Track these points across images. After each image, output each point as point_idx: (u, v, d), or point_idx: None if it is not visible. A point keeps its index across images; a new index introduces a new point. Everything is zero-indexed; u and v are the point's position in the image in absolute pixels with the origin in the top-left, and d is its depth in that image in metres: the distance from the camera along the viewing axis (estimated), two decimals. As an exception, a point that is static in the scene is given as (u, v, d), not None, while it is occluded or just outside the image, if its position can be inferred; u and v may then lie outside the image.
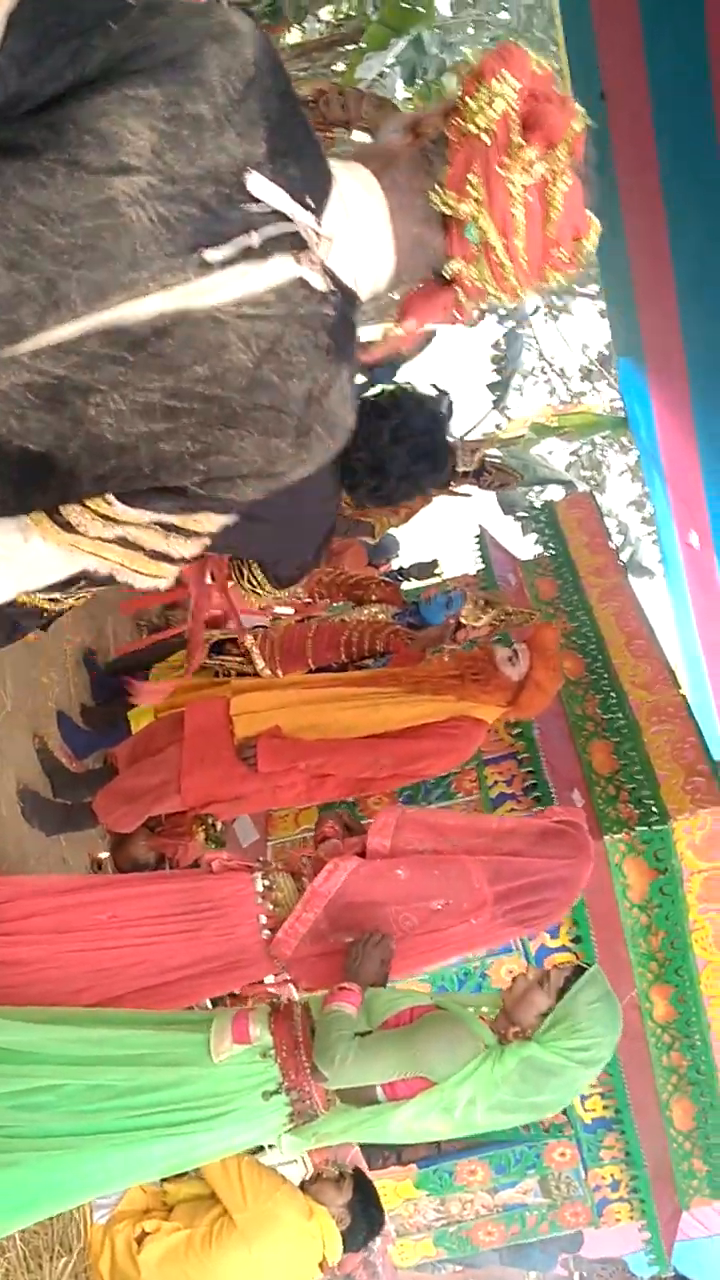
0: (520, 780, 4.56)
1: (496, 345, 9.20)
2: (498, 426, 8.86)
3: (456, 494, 5.13)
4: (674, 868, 4.15)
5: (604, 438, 10.60)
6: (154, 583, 1.58)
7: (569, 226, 1.44)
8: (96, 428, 1.30)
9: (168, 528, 1.49)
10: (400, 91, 10.54)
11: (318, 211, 1.37)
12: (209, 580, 4.87)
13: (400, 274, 1.51)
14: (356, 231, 1.42)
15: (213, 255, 1.28)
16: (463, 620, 3.87)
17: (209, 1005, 3.28)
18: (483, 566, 5.64)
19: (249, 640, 4.17)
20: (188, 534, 1.52)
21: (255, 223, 1.30)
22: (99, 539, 1.48)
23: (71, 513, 1.45)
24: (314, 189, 1.37)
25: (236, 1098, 2.50)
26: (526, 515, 7.57)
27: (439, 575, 5.02)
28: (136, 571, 1.55)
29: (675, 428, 6.46)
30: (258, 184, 1.29)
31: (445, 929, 2.79)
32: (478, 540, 5.89)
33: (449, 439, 2.94)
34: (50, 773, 4.00)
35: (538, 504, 6.63)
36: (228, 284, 1.30)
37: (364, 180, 1.46)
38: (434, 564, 5.05)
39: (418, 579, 5.02)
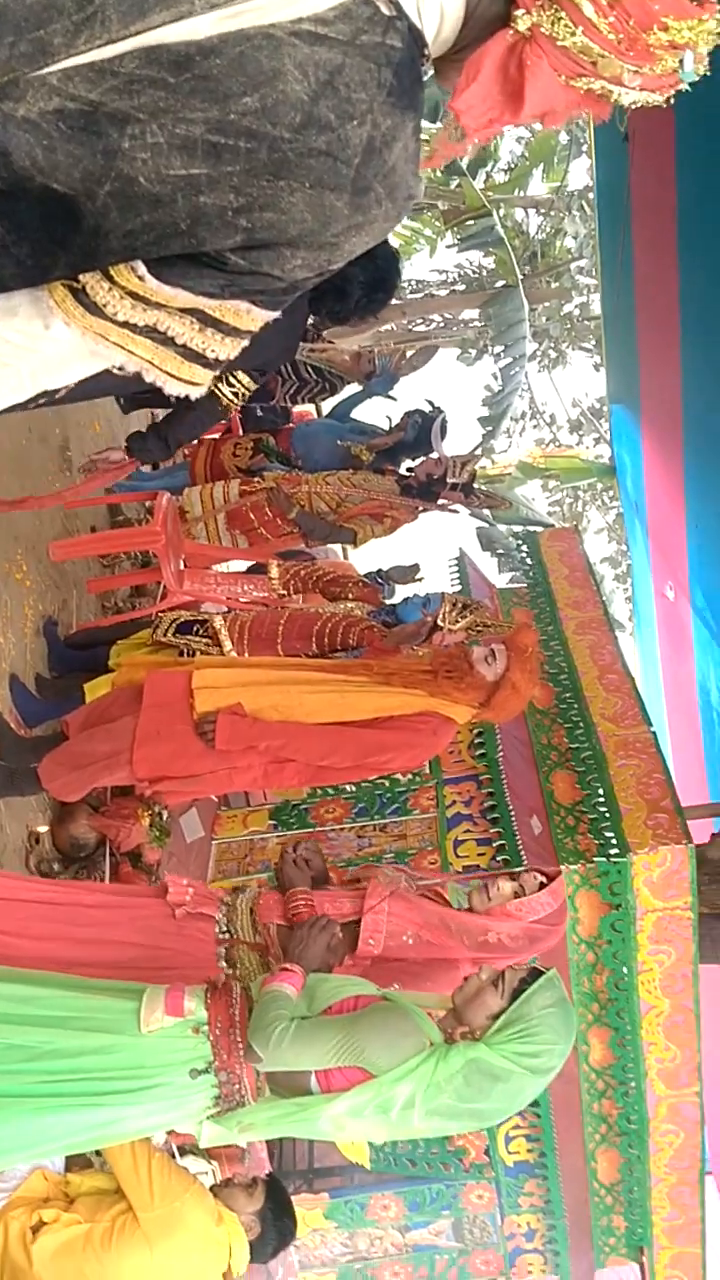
0: (479, 802, 4.46)
1: (492, 380, 9.23)
2: (483, 466, 8.84)
3: (444, 509, 5.05)
4: (628, 904, 4.04)
5: (586, 491, 10.63)
6: (185, 389, 1.41)
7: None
8: (131, 167, 1.16)
9: (204, 319, 1.33)
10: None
11: None
12: (181, 566, 4.80)
13: (470, 18, 1.32)
14: None
15: None
16: (439, 622, 3.77)
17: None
18: (459, 588, 5.56)
19: (218, 621, 4.04)
20: (225, 330, 1.36)
21: None
22: (128, 326, 1.31)
23: (98, 289, 1.28)
24: None
25: (162, 1073, 2.34)
26: (504, 553, 7.53)
27: (420, 580, 4.93)
28: (167, 373, 1.38)
29: (663, 477, 6.45)
30: None
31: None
32: (456, 562, 5.81)
33: (399, 281, 3.10)
34: (-4, 734, 3.84)
35: (517, 540, 6.57)
36: None
37: None
38: (415, 568, 4.94)
39: (398, 582, 4.91)
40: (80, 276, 1.30)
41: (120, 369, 1.39)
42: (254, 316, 1.37)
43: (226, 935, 2.84)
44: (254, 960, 2.82)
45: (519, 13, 1.28)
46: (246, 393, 3.51)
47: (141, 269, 1.28)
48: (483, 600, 5.38)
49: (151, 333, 1.34)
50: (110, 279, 1.29)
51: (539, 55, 1.30)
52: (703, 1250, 4.84)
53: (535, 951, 2.94)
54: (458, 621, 3.76)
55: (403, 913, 2.85)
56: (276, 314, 1.38)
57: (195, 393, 1.44)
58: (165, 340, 1.36)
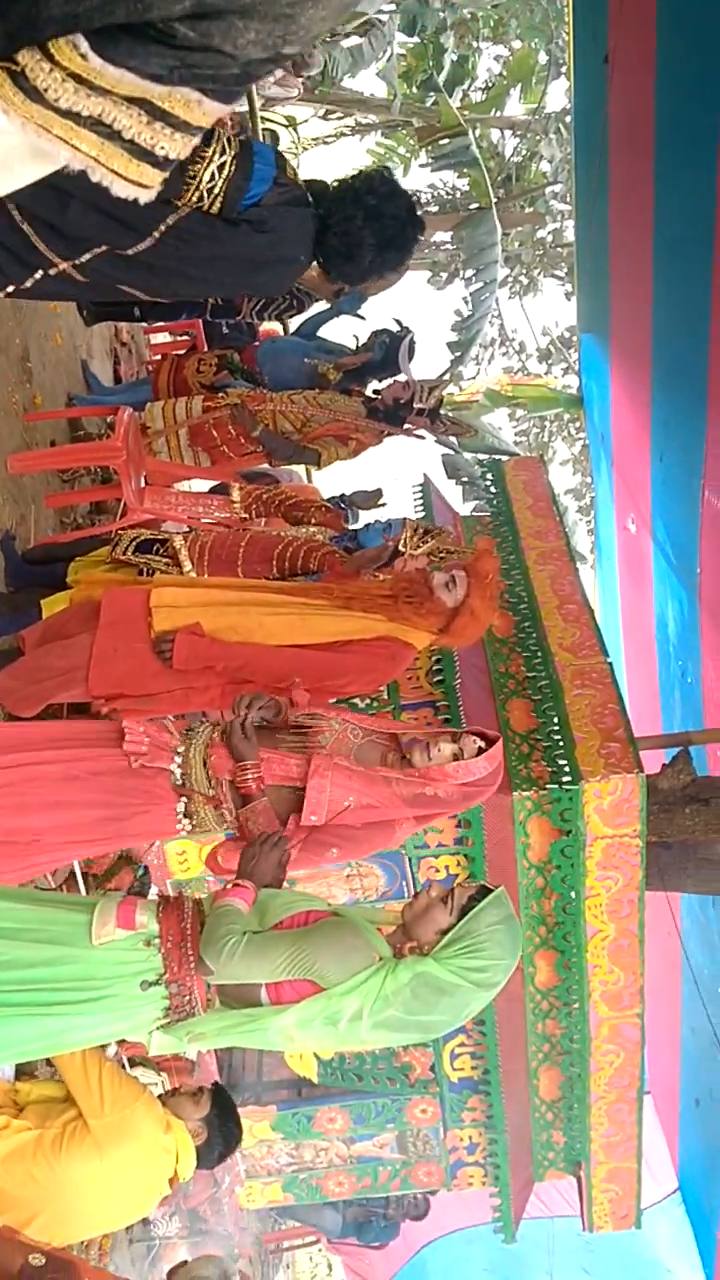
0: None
1: (462, 305, 9.11)
2: (451, 393, 8.76)
3: (410, 434, 5.00)
4: (578, 830, 4.09)
5: (552, 421, 10.59)
6: (134, 190, 1.35)
7: None
8: None
9: (152, 111, 1.26)
10: (398, 41, 10.31)
11: None
12: (142, 483, 4.74)
13: None
14: None
15: None
16: (401, 548, 3.75)
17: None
18: (423, 514, 5.53)
19: (178, 542, 4.00)
20: (175, 124, 1.28)
21: None
22: (72, 116, 1.24)
23: (39, 72, 1.21)
24: None
25: (112, 984, 2.37)
26: (469, 481, 7.49)
27: (383, 505, 4.89)
28: (114, 172, 1.32)
29: (630, 409, 6.43)
30: None
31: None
32: (420, 488, 5.78)
33: (417, 233, 3.00)
34: (-49, 650, 3.79)
35: (482, 469, 6.53)
36: None
37: None
38: (378, 494, 4.91)
39: (361, 508, 4.87)
40: (19, 57, 1.22)
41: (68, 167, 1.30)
42: (205, 109, 1.31)
43: (182, 787, 2.87)
44: (210, 814, 2.86)
45: None
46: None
47: (84, 45, 1.21)
48: (446, 527, 5.37)
49: (97, 125, 1.28)
50: (51, 59, 1.21)
51: None
52: (638, 1165, 5.00)
53: (469, 805, 3.09)
54: (419, 547, 3.74)
55: (345, 782, 2.88)
56: (230, 108, 1.35)
57: (144, 196, 1.37)
58: (112, 135, 1.29)
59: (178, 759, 2.86)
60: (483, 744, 2.91)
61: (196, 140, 1.34)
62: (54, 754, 2.81)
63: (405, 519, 3.99)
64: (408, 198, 2.97)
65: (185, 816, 2.87)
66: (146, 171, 1.34)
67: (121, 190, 1.35)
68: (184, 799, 2.84)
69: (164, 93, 1.26)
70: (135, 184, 1.35)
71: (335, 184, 2.89)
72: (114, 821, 2.83)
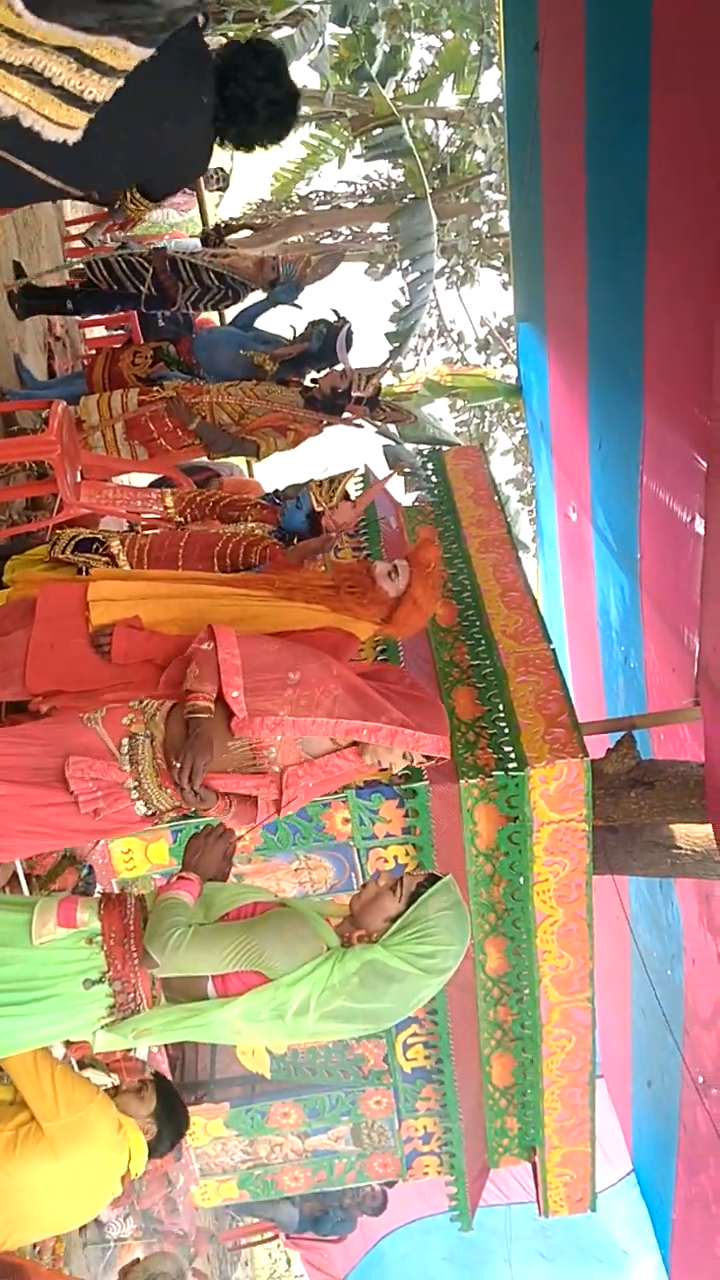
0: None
1: (400, 295, 9.10)
2: (390, 384, 8.75)
3: (348, 423, 4.98)
4: (525, 816, 4.10)
5: (493, 411, 10.62)
6: (63, 133, 1.43)
7: None
8: None
9: (81, 59, 1.35)
10: (329, 31, 10.26)
11: None
12: (78, 477, 4.67)
13: None
14: None
15: None
16: (316, 508, 3.74)
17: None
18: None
19: (115, 544, 3.95)
20: (102, 70, 1.37)
21: None
22: (4, 66, 1.31)
23: None
24: None
25: (55, 984, 2.33)
26: (411, 471, 7.48)
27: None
28: (45, 117, 1.41)
29: (567, 397, 6.45)
30: None
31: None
32: (361, 479, 5.75)
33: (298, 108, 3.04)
34: None
35: (423, 459, 6.53)
36: None
37: None
38: (307, 484, 4.89)
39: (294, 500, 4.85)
40: None
41: None
42: (130, 55, 1.40)
43: (151, 815, 2.77)
44: (168, 800, 2.74)
45: None
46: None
47: (19, 5, 1.28)
48: (388, 518, 5.37)
49: (28, 73, 1.35)
50: None
51: None
52: (592, 1148, 5.03)
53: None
54: (331, 498, 3.73)
55: (308, 788, 2.90)
56: (152, 51, 1.41)
57: (72, 137, 1.46)
58: (42, 81, 1.38)
59: (134, 792, 2.72)
60: (430, 761, 2.97)
61: (120, 82, 1.42)
62: (7, 788, 2.68)
63: (309, 481, 3.99)
64: (287, 73, 3.00)
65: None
66: (75, 114, 1.44)
67: (51, 133, 1.45)
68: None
69: (92, 42, 1.35)
70: (65, 126, 1.45)
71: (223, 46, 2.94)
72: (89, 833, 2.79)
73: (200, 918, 2.38)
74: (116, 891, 2.53)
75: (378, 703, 2.88)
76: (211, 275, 5.54)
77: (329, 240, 12.02)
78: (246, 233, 8.99)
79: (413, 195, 9.95)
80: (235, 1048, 4.80)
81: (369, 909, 2.38)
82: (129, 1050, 4.06)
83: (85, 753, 2.69)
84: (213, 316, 7.14)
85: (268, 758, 2.86)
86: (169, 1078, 4.63)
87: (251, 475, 7.31)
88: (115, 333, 7.12)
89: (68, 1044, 3.61)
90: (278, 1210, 7.17)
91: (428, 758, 2.96)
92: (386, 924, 2.34)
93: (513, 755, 4.12)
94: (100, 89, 1.39)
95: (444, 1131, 4.96)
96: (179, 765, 2.63)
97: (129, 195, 2.78)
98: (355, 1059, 4.82)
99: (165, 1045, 4.61)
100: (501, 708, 4.35)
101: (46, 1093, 2.98)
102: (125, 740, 2.73)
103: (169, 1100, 3.28)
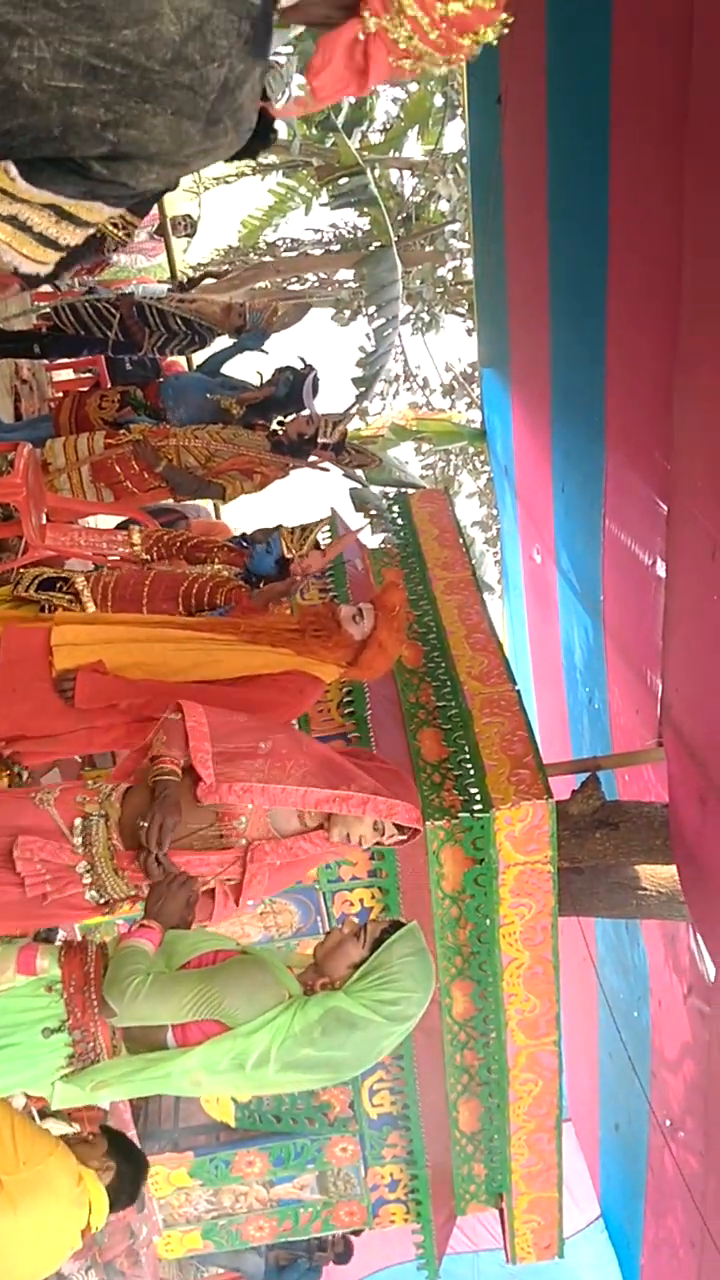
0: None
1: (365, 341, 9.19)
2: (357, 428, 8.82)
3: (315, 465, 5.02)
4: (491, 858, 4.10)
5: (458, 455, 10.71)
6: (36, 268, 1.66)
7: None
8: (16, 73, 1.37)
9: (61, 213, 1.57)
10: (296, 82, 10.40)
11: None
12: (44, 520, 4.67)
13: None
14: None
15: None
16: (286, 554, 3.76)
17: None
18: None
19: (80, 582, 3.95)
20: (78, 223, 1.60)
21: None
22: None
23: None
24: None
25: (14, 1032, 2.31)
26: (376, 513, 7.53)
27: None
28: (21, 254, 1.62)
29: (531, 441, 6.54)
30: None
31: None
32: (328, 528, 5.79)
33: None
34: None
35: (389, 501, 6.58)
36: None
37: None
38: (277, 529, 4.91)
39: (260, 544, 4.87)
40: None
41: None
42: (103, 211, 1.63)
43: (103, 904, 2.67)
44: (122, 887, 2.62)
45: (369, 15, 1.56)
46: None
47: (13, 171, 1.50)
48: (354, 560, 5.39)
49: (12, 220, 1.58)
50: None
51: (380, 48, 1.59)
52: (559, 1194, 4.99)
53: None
54: (302, 546, 3.75)
55: (272, 875, 2.80)
56: (121, 210, 1.66)
57: (45, 270, 1.69)
58: (24, 228, 1.60)
59: (87, 876, 2.60)
60: (402, 836, 2.81)
61: (91, 230, 1.66)
62: None
63: (279, 527, 4.01)
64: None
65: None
66: (49, 254, 1.66)
67: (27, 267, 1.67)
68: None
69: (72, 203, 1.58)
70: (39, 263, 1.67)
71: None
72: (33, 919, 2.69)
73: (161, 966, 2.35)
74: (78, 939, 2.49)
75: (350, 771, 2.77)
76: (179, 320, 5.58)
77: (295, 286, 12.14)
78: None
79: (378, 243, 10.08)
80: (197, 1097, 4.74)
81: (332, 955, 2.37)
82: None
83: (35, 832, 2.57)
84: (180, 361, 7.18)
85: (236, 828, 2.72)
86: (133, 1126, 4.58)
87: (219, 517, 7.33)
88: (83, 375, 7.15)
89: (27, 1094, 3.55)
90: (243, 1261, 7.03)
91: (399, 829, 2.80)
92: (350, 970, 2.33)
93: (478, 797, 4.13)
94: (74, 236, 1.62)
95: (410, 1179, 4.91)
96: (145, 826, 2.53)
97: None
98: (321, 1105, 4.77)
99: (128, 1095, 4.54)
100: (467, 749, 4.36)
101: (5, 1145, 2.93)
102: (79, 820, 2.61)
103: (118, 1144, 3.23)
